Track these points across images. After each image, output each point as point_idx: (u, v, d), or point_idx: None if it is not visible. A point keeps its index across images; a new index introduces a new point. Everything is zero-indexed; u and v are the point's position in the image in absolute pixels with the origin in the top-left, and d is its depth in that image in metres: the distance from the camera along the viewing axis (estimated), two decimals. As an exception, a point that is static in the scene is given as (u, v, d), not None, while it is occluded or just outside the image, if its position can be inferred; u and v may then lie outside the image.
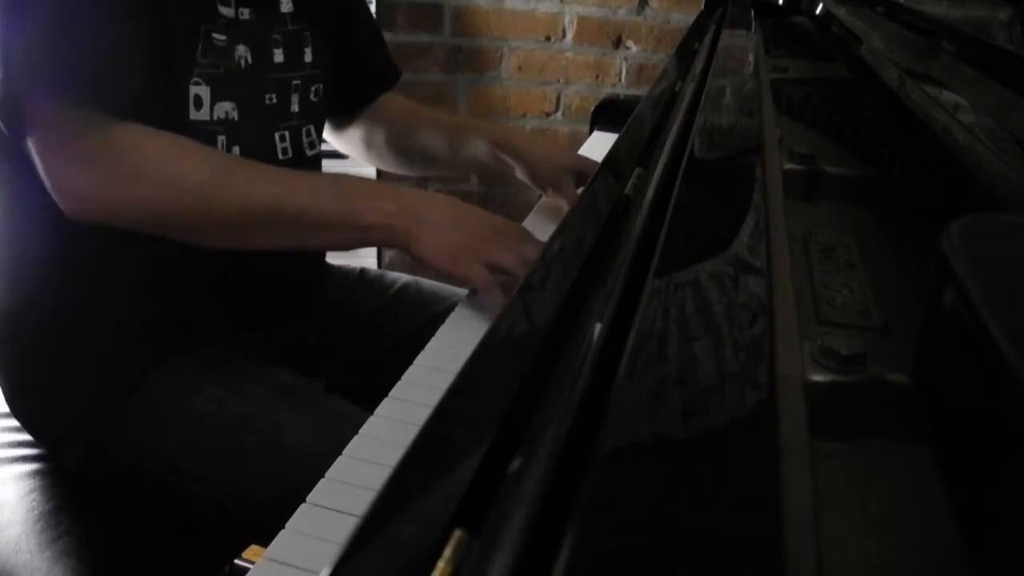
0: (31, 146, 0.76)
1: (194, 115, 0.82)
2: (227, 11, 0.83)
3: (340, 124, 1.14)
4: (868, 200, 0.65)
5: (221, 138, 0.84)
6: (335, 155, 1.96)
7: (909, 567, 0.30)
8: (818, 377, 0.36)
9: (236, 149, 0.85)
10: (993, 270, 0.31)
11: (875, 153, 0.71)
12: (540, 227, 1.02)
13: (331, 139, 1.16)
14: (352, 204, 0.80)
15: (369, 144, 1.14)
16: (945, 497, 0.31)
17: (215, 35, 0.82)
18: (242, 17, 0.84)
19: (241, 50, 0.84)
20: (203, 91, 0.82)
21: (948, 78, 0.66)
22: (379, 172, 2.04)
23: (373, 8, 1.99)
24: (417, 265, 0.82)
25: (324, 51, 0.96)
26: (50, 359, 0.86)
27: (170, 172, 0.77)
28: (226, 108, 0.84)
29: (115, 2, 0.76)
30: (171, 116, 0.80)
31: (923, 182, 0.59)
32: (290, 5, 0.90)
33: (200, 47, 0.81)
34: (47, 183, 0.76)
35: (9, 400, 0.90)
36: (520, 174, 1.07)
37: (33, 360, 0.87)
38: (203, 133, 0.82)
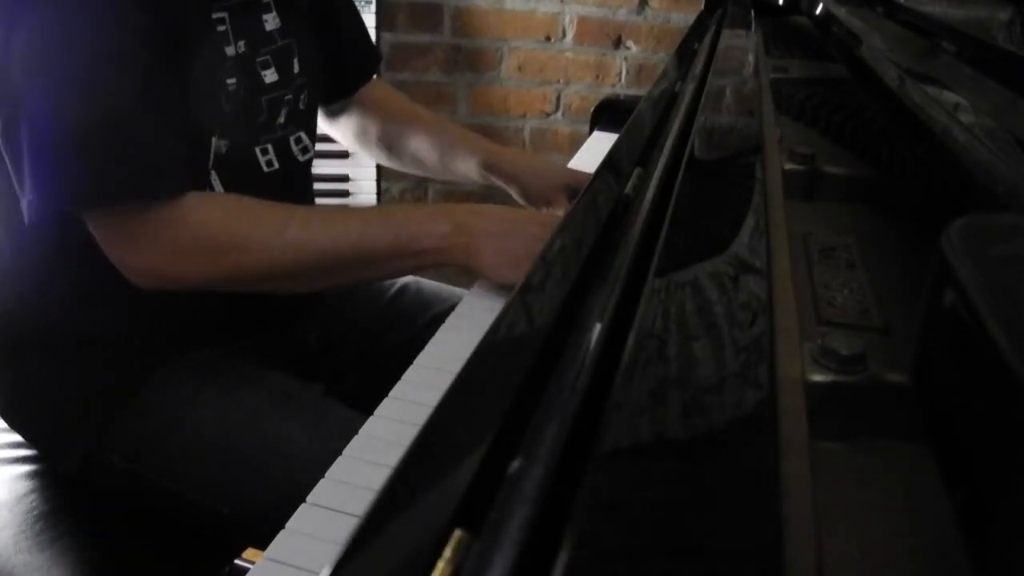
0: (90, 228, 0.76)
1: (212, 163, 0.82)
2: (231, 51, 0.83)
3: (332, 113, 1.14)
4: (868, 200, 0.65)
5: (212, 172, 0.84)
6: (338, 155, 1.97)
7: (909, 567, 0.30)
8: (818, 377, 0.36)
9: (214, 174, 0.84)
10: (993, 270, 0.31)
11: (875, 153, 0.71)
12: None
13: (326, 128, 1.16)
14: (404, 232, 0.80)
15: (362, 137, 1.15)
16: (945, 497, 0.31)
17: (228, 80, 0.82)
18: (240, 52, 0.84)
19: (242, 84, 0.84)
20: (217, 136, 0.82)
21: (948, 78, 0.66)
22: (379, 166, 2.04)
23: (373, 8, 1.99)
24: (478, 276, 0.82)
25: (311, 56, 0.95)
26: (46, 366, 0.86)
27: (227, 238, 0.78)
28: (220, 145, 0.84)
29: (145, 81, 0.74)
30: (198, 171, 0.80)
31: (923, 182, 0.59)
32: (276, 21, 0.89)
33: (223, 97, 0.81)
34: (114, 263, 0.77)
35: (4, 408, 0.90)
36: (513, 194, 1.08)
37: (29, 368, 0.87)
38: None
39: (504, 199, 1.10)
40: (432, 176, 1.17)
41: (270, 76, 0.88)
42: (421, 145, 1.12)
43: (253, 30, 0.86)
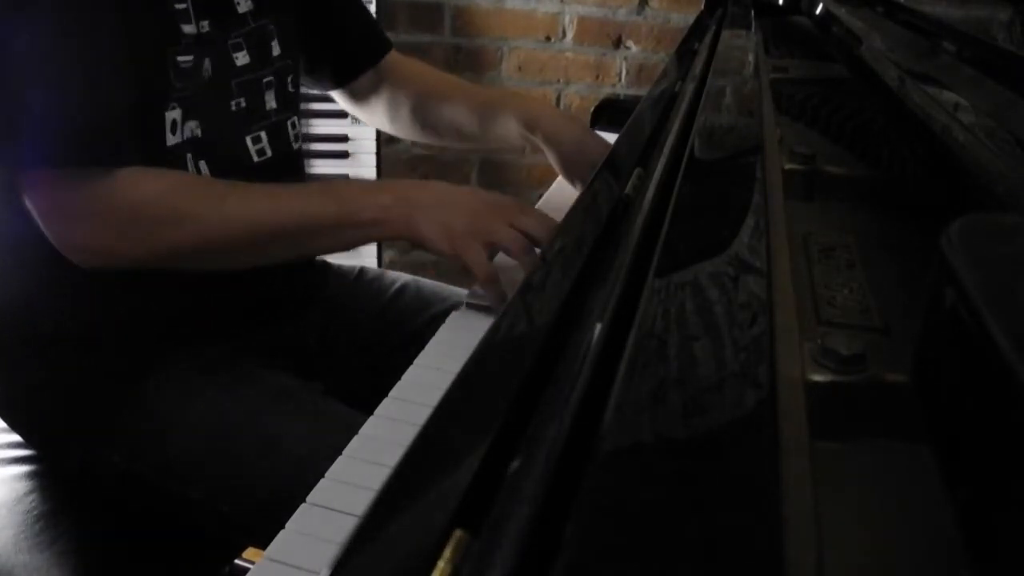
0: (27, 203, 0.76)
1: (170, 141, 0.82)
2: (189, 28, 0.82)
3: (358, 93, 1.13)
4: (868, 200, 0.65)
5: (188, 155, 0.83)
6: (338, 155, 1.97)
7: (909, 567, 0.30)
8: (818, 377, 0.36)
9: (203, 163, 0.84)
10: (993, 270, 0.31)
11: (875, 153, 0.71)
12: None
13: (352, 110, 1.15)
14: (346, 204, 0.80)
15: (394, 115, 1.13)
16: (945, 497, 0.31)
17: (180, 58, 0.81)
18: (203, 31, 0.83)
19: (206, 64, 0.84)
20: (177, 115, 0.82)
21: (948, 78, 0.66)
22: (379, 152, 2.03)
23: (373, 8, 1.99)
24: (416, 249, 0.82)
25: (294, 38, 0.95)
26: (45, 366, 0.86)
27: (165, 212, 0.78)
28: (191, 127, 0.83)
29: (91, 50, 0.75)
30: (150, 146, 0.80)
31: (923, 182, 0.59)
32: (249, 3, 0.89)
33: (172, 72, 0.81)
34: (51, 239, 0.77)
35: (3, 408, 0.90)
36: (551, 159, 1.05)
37: (28, 368, 0.87)
38: (175, 156, 0.82)
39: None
40: (472, 146, 1.15)
41: (242, 59, 0.88)
42: (457, 113, 1.09)
43: (221, 11, 0.86)
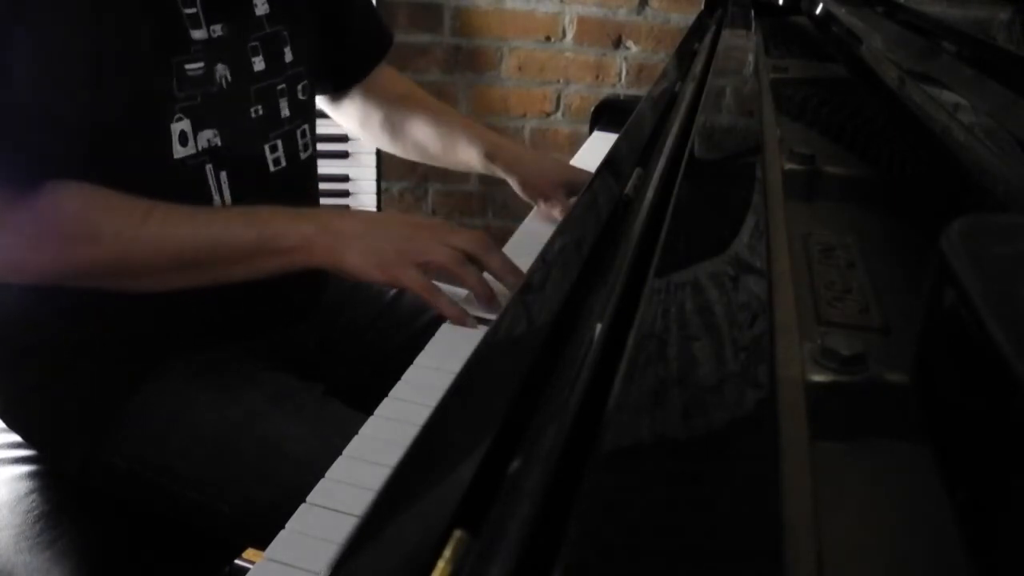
0: None
1: (179, 153, 0.80)
2: (200, 34, 0.80)
3: (336, 97, 1.14)
4: (868, 200, 0.65)
5: (208, 167, 0.82)
6: (338, 155, 1.97)
7: (909, 567, 0.30)
8: (818, 377, 0.36)
9: (223, 174, 0.84)
10: (993, 270, 0.31)
11: (875, 153, 0.71)
12: (538, 230, 1.02)
13: (328, 111, 1.16)
14: (267, 230, 0.78)
15: (365, 122, 1.14)
16: (945, 497, 0.31)
17: (188, 65, 0.79)
18: (215, 35, 0.81)
19: (220, 70, 0.82)
20: (185, 125, 0.80)
21: (948, 78, 0.66)
22: (379, 152, 2.03)
23: (373, 8, 1.98)
24: (348, 279, 0.81)
25: (305, 45, 0.94)
26: (45, 369, 0.86)
27: (83, 228, 0.76)
28: (208, 136, 0.82)
29: (52, 60, 0.72)
30: (153, 158, 0.79)
31: (923, 182, 0.59)
32: (265, 6, 0.88)
33: (175, 81, 0.79)
34: None
35: (3, 410, 0.90)
36: (512, 184, 1.07)
37: (28, 370, 0.87)
38: (189, 168, 0.81)
39: (504, 201, 1.10)
40: (434, 164, 1.17)
41: (259, 64, 0.87)
42: (424, 131, 1.11)
43: (238, 14, 0.84)
